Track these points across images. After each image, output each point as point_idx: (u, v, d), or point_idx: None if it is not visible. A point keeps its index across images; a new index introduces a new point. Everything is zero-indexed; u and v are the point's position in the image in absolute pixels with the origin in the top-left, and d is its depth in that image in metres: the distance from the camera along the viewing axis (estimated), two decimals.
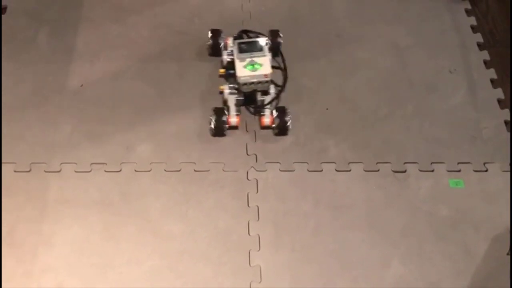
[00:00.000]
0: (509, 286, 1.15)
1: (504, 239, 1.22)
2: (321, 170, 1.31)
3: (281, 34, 1.49)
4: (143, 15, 1.62)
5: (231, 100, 1.37)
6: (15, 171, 1.28)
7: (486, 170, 1.33)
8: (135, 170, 1.30)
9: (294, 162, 1.32)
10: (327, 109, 1.43)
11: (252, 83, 1.34)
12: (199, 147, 1.34)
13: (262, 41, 1.40)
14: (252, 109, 1.40)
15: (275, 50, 1.48)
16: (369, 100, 1.45)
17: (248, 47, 1.38)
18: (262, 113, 1.37)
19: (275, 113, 1.35)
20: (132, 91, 1.44)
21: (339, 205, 1.26)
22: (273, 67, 1.37)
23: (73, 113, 1.39)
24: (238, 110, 1.37)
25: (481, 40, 1.59)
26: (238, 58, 1.35)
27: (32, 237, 1.19)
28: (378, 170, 1.32)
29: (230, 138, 1.36)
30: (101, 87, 1.45)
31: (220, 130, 1.34)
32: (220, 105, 1.39)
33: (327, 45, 1.57)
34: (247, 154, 1.33)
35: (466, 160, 1.34)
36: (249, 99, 1.39)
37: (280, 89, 1.42)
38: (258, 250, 1.18)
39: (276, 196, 1.26)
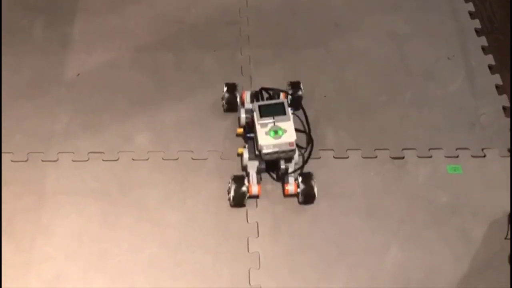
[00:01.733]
0: (508, 270, 1.16)
1: (502, 224, 1.22)
2: (319, 158, 1.31)
3: (302, 86, 1.35)
4: (139, 5, 1.61)
5: (252, 167, 1.23)
6: (12, 161, 1.28)
7: (484, 156, 1.32)
8: (133, 159, 1.29)
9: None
10: (325, 96, 1.42)
11: (276, 152, 1.20)
12: (197, 136, 1.34)
13: (285, 102, 1.25)
14: (274, 176, 1.27)
15: (296, 104, 1.34)
16: (367, 88, 1.44)
17: (269, 110, 1.23)
18: (285, 181, 1.23)
19: (299, 179, 1.22)
20: (129, 81, 1.43)
21: (337, 192, 1.26)
22: (296, 130, 1.23)
23: (70, 103, 1.38)
24: (259, 178, 1.24)
25: (479, 26, 1.58)
26: (259, 124, 1.21)
27: (30, 227, 1.19)
28: (376, 157, 1.32)
29: (227, 124, 1.35)
30: (98, 77, 1.44)
31: (240, 201, 1.21)
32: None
33: (325, 33, 1.56)
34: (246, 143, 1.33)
35: (464, 146, 1.33)
36: (271, 165, 1.25)
37: (307, 157, 1.27)
38: (257, 237, 1.18)
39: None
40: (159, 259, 1.15)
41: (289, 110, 1.24)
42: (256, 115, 1.22)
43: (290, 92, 1.34)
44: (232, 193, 1.19)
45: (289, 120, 1.22)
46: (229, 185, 1.21)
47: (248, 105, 1.31)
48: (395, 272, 1.15)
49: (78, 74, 1.45)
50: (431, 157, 1.32)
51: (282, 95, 1.32)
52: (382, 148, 1.33)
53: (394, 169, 1.30)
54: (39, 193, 1.23)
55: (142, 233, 1.18)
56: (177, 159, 1.30)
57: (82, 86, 1.42)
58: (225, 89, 1.35)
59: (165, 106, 1.39)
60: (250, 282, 1.13)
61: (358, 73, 1.47)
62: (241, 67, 1.46)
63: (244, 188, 1.20)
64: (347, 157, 1.32)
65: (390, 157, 1.32)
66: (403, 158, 1.32)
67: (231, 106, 1.35)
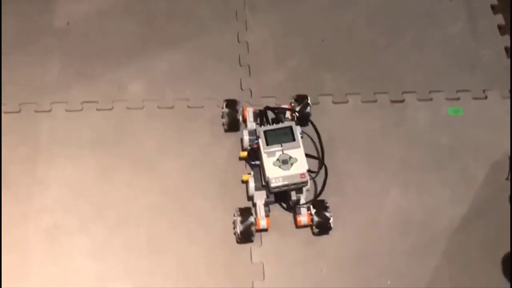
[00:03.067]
0: (509, 211, 1.15)
1: (503, 165, 1.21)
2: (318, 103, 1.29)
3: (309, 101, 1.21)
4: None
5: (259, 198, 1.11)
6: (4, 112, 1.25)
7: (486, 98, 1.30)
8: (127, 108, 1.27)
9: (289, 96, 1.29)
10: (323, 40, 1.39)
11: (286, 185, 1.08)
12: (192, 84, 1.31)
13: (293, 126, 1.12)
14: (284, 206, 1.15)
15: (304, 121, 1.21)
16: (367, 30, 1.40)
17: (277, 137, 1.10)
18: (297, 212, 1.12)
19: (312, 209, 1.10)
20: (120, 29, 1.39)
21: (336, 138, 1.24)
22: (308, 156, 1.11)
23: (60, 52, 1.34)
24: (267, 210, 1.12)
25: None
26: (266, 152, 1.09)
27: (26, 178, 1.17)
28: (376, 101, 1.29)
29: (224, 72, 1.32)
30: (88, 25, 1.39)
31: (248, 236, 1.09)
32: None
33: None
34: (241, 89, 1.30)
35: (465, 88, 1.31)
36: (281, 196, 1.12)
37: (321, 188, 1.13)
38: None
39: None
40: (157, 207, 1.14)
41: (298, 135, 1.11)
42: (261, 142, 1.10)
43: (297, 108, 1.20)
44: (239, 227, 1.07)
45: (299, 147, 1.09)
46: (234, 218, 1.10)
47: (251, 124, 1.18)
48: (395, 214, 1.15)
49: (68, 23, 1.40)
50: (431, 99, 1.30)
51: (288, 113, 1.20)
52: (382, 92, 1.31)
53: (394, 113, 1.28)
54: (33, 144, 1.21)
55: (139, 182, 1.17)
56: (172, 107, 1.27)
57: (72, 35, 1.38)
58: (224, 105, 1.21)
59: (158, 54, 1.35)
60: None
61: (357, 15, 1.43)
62: (236, 12, 1.41)
63: (251, 220, 1.07)
64: (347, 102, 1.29)
65: (390, 101, 1.29)
66: (403, 101, 1.29)
67: (233, 125, 1.21)
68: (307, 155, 1.11)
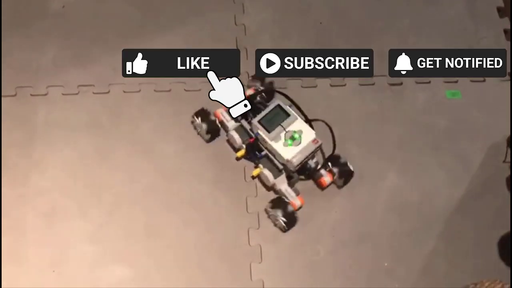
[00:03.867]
0: (505, 193, 1.16)
1: (500, 148, 1.21)
2: (315, 86, 1.28)
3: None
4: None
5: (281, 183, 1.12)
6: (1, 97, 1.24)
7: (484, 80, 1.30)
8: (124, 91, 1.26)
9: (287, 79, 1.28)
10: (320, 23, 1.38)
11: (306, 157, 1.08)
12: None
13: (280, 103, 1.11)
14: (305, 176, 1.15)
15: (270, 94, 1.21)
16: (365, 13, 1.39)
17: (272, 120, 1.09)
18: (317, 176, 1.13)
19: (331, 166, 1.12)
20: (116, 11, 1.37)
21: (334, 120, 1.22)
22: (308, 121, 1.12)
23: (56, 36, 1.33)
24: (295, 189, 1.13)
25: None
26: (271, 139, 1.08)
27: (23, 161, 1.17)
28: (374, 84, 1.29)
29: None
30: (84, 8, 1.38)
31: (294, 222, 1.09)
32: None
33: None
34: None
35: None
36: (300, 169, 1.12)
37: (333, 145, 1.13)
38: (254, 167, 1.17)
39: None
40: (154, 190, 1.14)
41: (288, 108, 1.11)
42: (262, 133, 1.08)
43: (260, 86, 1.19)
44: (283, 220, 1.07)
45: (296, 118, 1.10)
46: (271, 213, 1.10)
47: (232, 123, 1.15)
48: (392, 196, 1.16)
49: (63, 6, 1.38)
50: (429, 82, 1.29)
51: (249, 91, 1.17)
52: (380, 75, 1.29)
53: (391, 96, 1.28)
54: (30, 128, 1.20)
55: (136, 164, 1.17)
56: (169, 90, 1.27)
57: (68, 18, 1.36)
58: (198, 119, 1.16)
59: (155, 37, 1.33)
60: (248, 210, 1.13)
61: None
62: None
63: (290, 208, 1.08)
64: (344, 85, 1.29)
65: (388, 84, 1.29)
66: (401, 84, 1.29)
67: (214, 133, 1.19)
68: (308, 121, 1.12)
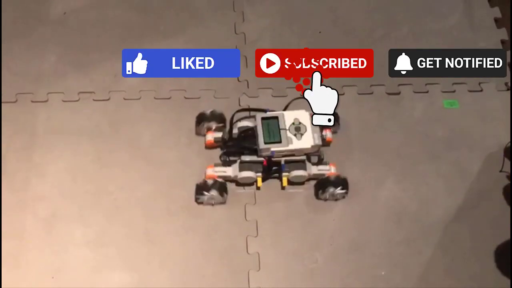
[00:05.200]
0: (502, 202, 1.17)
1: (498, 158, 1.21)
2: None
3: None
4: None
5: (313, 168, 1.14)
6: (1, 102, 1.25)
7: (481, 90, 1.31)
8: (124, 99, 1.27)
9: (286, 88, 1.29)
10: (320, 32, 1.39)
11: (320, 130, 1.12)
12: None
13: (263, 115, 1.12)
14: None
15: None
16: (364, 22, 1.41)
17: (272, 131, 1.10)
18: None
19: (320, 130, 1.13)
20: (116, 19, 1.39)
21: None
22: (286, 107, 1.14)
23: (57, 42, 1.34)
24: (324, 162, 1.16)
25: None
26: (287, 145, 1.09)
27: (23, 167, 1.17)
28: (372, 93, 1.30)
29: None
30: (85, 15, 1.39)
31: (346, 183, 1.14)
32: None
33: None
34: (238, 81, 1.31)
35: (461, 81, 1.32)
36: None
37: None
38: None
39: None
40: (154, 196, 1.15)
41: (269, 113, 1.12)
42: (276, 147, 1.08)
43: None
44: (339, 192, 1.12)
45: (283, 114, 1.12)
46: (328, 195, 1.13)
47: (230, 170, 1.13)
48: (390, 205, 1.16)
49: (65, 13, 1.39)
50: (427, 92, 1.30)
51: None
52: (378, 84, 1.31)
53: (390, 105, 1.29)
54: (30, 134, 1.21)
55: (136, 171, 1.18)
56: (169, 98, 1.28)
57: (69, 24, 1.37)
58: (210, 193, 1.11)
59: (155, 44, 1.34)
60: (246, 217, 1.14)
61: (354, 6, 1.43)
62: (233, 3, 1.41)
63: (334, 177, 1.12)
64: (343, 94, 1.30)
65: (386, 93, 1.30)
66: (399, 93, 1.30)
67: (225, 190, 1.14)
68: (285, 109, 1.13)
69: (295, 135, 1.10)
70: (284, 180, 1.14)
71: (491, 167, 1.21)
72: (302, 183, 1.16)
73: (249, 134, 1.13)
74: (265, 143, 1.09)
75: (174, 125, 1.24)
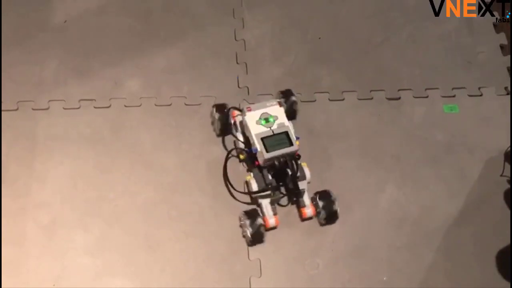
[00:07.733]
0: (503, 207, 1.16)
1: (498, 162, 1.21)
2: (314, 101, 1.29)
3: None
4: None
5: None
6: (2, 110, 1.25)
7: (481, 95, 1.31)
8: (125, 106, 1.27)
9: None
10: (319, 38, 1.39)
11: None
12: (189, 81, 1.31)
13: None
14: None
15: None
16: (363, 27, 1.41)
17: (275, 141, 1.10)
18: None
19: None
20: (117, 26, 1.39)
21: (333, 134, 1.25)
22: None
23: (58, 50, 1.34)
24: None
25: None
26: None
27: (24, 174, 1.17)
28: (372, 98, 1.30)
29: (220, 71, 1.33)
30: (86, 22, 1.40)
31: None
32: None
33: None
34: (239, 87, 1.31)
35: (460, 85, 1.32)
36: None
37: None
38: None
39: None
40: (155, 203, 1.15)
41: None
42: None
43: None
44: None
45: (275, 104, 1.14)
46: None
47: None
48: (391, 210, 1.16)
49: (65, 21, 1.40)
50: (427, 97, 1.31)
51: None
52: (378, 89, 1.31)
53: (390, 110, 1.29)
54: (31, 142, 1.21)
55: (137, 178, 1.18)
56: (170, 104, 1.28)
57: (69, 32, 1.38)
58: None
59: (155, 52, 1.35)
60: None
61: (353, 12, 1.44)
62: (233, 10, 1.42)
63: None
64: (343, 99, 1.30)
65: (386, 98, 1.30)
66: (399, 98, 1.30)
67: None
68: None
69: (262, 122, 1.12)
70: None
71: (492, 172, 1.21)
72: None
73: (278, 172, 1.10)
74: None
75: (174, 132, 1.24)
